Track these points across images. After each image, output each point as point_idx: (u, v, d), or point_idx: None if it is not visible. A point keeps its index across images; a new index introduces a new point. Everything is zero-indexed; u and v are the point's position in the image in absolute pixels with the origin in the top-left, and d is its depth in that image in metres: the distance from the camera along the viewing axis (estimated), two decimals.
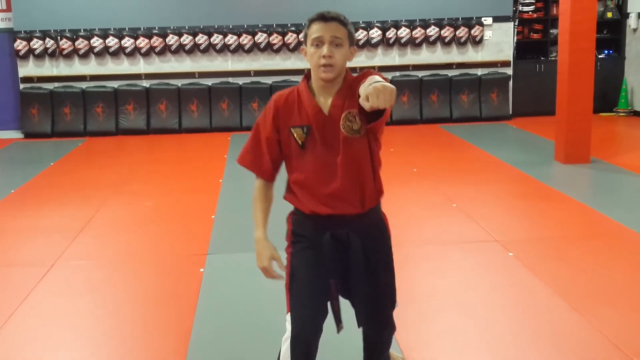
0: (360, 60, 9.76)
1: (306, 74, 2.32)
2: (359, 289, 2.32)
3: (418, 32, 9.90)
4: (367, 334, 2.53)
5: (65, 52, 9.60)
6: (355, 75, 2.29)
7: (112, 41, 9.61)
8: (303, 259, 2.30)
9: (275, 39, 9.73)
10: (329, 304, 2.31)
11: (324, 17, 2.19)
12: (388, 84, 1.94)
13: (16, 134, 9.76)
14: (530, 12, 10.32)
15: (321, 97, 2.25)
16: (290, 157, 2.30)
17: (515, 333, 3.25)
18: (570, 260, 4.22)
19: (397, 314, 2.49)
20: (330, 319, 2.32)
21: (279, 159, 2.34)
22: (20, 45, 9.50)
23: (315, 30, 2.19)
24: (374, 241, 2.34)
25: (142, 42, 9.65)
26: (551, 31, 10.26)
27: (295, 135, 2.26)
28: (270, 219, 2.37)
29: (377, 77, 2.04)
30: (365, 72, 2.21)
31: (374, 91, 1.92)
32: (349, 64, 2.29)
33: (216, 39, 9.71)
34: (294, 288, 2.29)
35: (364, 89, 2.00)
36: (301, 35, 9.47)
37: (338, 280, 2.30)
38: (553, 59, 10.05)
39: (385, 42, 9.91)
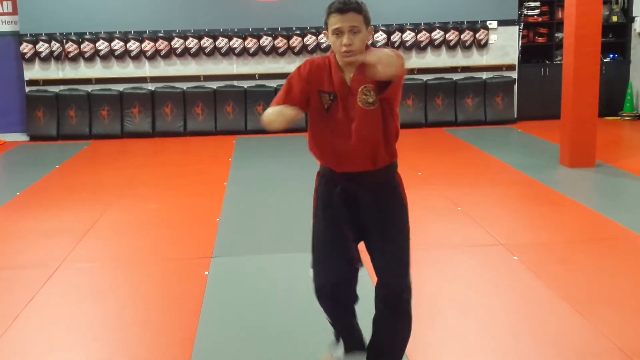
0: None
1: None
2: (373, 241, 2.56)
3: (423, 36, 9.91)
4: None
5: (70, 55, 9.63)
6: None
7: (117, 44, 9.64)
8: (323, 220, 2.57)
9: (280, 42, 9.75)
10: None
11: (340, 10, 2.39)
12: (395, 51, 2.16)
13: (22, 137, 9.80)
14: (535, 16, 10.30)
15: (345, 71, 2.48)
16: (314, 117, 2.52)
17: (518, 336, 3.24)
18: (574, 264, 4.21)
19: None
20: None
21: (306, 104, 2.51)
22: (26, 48, 9.54)
23: (334, 21, 2.40)
24: (383, 198, 2.55)
25: (148, 45, 9.68)
26: (556, 35, 10.24)
27: (322, 99, 2.49)
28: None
29: (385, 50, 2.27)
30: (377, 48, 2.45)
31: (376, 59, 2.17)
32: None
33: (221, 42, 9.73)
34: (315, 248, 2.61)
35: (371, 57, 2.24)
36: (306, 39, 9.56)
37: (351, 226, 2.54)
38: (558, 62, 10.02)
39: (390, 46, 9.90)
